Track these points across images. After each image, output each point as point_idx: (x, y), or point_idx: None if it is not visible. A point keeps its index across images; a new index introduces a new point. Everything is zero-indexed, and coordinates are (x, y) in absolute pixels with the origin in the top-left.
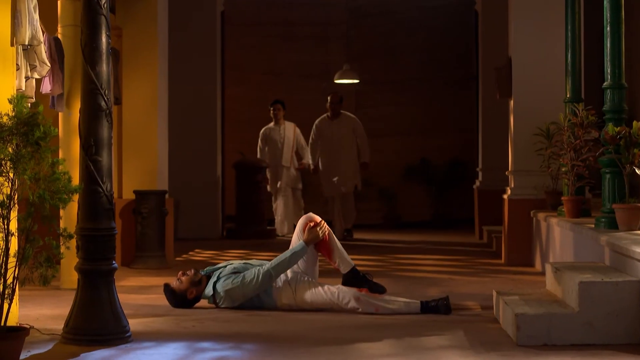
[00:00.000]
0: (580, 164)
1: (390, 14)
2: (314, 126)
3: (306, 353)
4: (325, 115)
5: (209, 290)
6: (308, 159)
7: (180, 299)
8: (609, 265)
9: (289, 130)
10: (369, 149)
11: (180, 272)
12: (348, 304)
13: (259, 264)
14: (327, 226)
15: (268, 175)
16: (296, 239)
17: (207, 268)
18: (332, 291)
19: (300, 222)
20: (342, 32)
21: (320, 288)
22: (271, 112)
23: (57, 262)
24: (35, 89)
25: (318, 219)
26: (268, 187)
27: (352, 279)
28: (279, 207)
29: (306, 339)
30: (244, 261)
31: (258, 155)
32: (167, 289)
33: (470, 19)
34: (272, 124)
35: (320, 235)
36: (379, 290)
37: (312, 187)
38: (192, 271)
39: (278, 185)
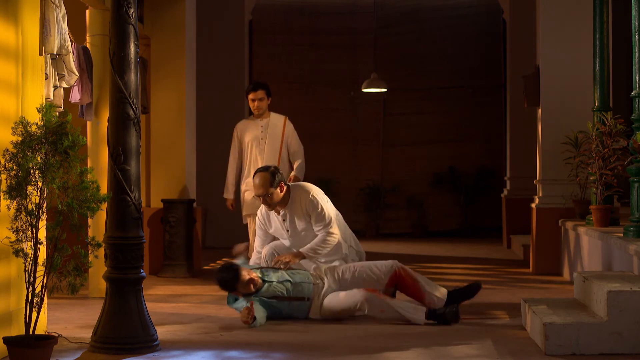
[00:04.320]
0: (608, 172)
1: (418, 23)
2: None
3: None
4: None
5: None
6: (299, 172)
7: (231, 287)
8: (637, 274)
9: (275, 126)
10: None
11: (255, 277)
12: (357, 305)
13: (305, 277)
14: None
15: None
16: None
17: (262, 269)
18: (345, 295)
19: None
20: (370, 40)
21: (337, 294)
22: (249, 101)
23: (85, 271)
24: (64, 98)
25: (252, 275)
26: (244, 217)
27: (453, 302)
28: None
29: (334, 348)
30: (290, 271)
31: (230, 163)
32: (232, 269)
33: (498, 28)
34: (251, 117)
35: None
36: (476, 287)
37: None
38: (262, 284)
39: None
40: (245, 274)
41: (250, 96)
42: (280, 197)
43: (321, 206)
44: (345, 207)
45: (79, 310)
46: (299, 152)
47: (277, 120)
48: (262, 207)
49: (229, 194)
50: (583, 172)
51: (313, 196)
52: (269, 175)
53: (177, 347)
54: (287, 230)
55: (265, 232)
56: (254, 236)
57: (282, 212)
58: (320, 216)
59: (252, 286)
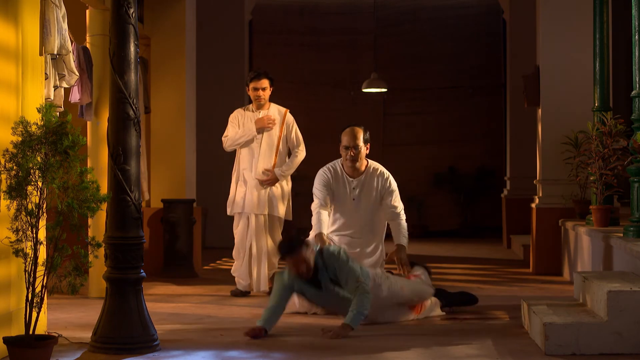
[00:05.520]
0: (608, 172)
1: (418, 23)
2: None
3: None
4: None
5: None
6: (287, 169)
7: (291, 249)
8: (638, 274)
9: (274, 118)
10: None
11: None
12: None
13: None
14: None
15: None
16: None
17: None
18: (394, 315)
19: None
20: (370, 40)
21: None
22: (249, 89)
23: (85, 271)
24: (64, 98)
25: None
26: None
27: None
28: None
29: (335, 348)
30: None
31: (226, 143)
32: (300, 240)
33: (498, 28)
34: (250, 107)
35: None
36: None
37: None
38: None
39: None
40: (308, 255)
41: (252, 84)
42: (363, 156)
43: (397, 191)
44: None
45: (79, 310)
46: (299, 150)
47: (276, 112)
48: (331, 166)
49: (253, 124)
50: (583, 172)
51: (392, 180)
52: (363, 130)
53: (177, 347)
54: (354, 199)
55: (329, 189)
56: (240, 236)
57: (355, 180)
58: (398, 199)
59: (303, 269)
